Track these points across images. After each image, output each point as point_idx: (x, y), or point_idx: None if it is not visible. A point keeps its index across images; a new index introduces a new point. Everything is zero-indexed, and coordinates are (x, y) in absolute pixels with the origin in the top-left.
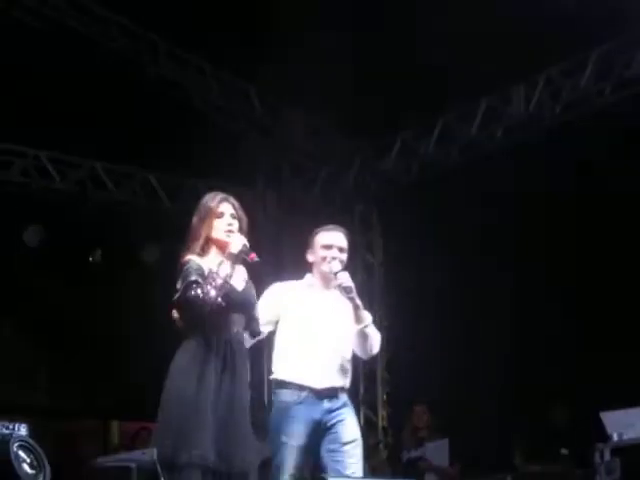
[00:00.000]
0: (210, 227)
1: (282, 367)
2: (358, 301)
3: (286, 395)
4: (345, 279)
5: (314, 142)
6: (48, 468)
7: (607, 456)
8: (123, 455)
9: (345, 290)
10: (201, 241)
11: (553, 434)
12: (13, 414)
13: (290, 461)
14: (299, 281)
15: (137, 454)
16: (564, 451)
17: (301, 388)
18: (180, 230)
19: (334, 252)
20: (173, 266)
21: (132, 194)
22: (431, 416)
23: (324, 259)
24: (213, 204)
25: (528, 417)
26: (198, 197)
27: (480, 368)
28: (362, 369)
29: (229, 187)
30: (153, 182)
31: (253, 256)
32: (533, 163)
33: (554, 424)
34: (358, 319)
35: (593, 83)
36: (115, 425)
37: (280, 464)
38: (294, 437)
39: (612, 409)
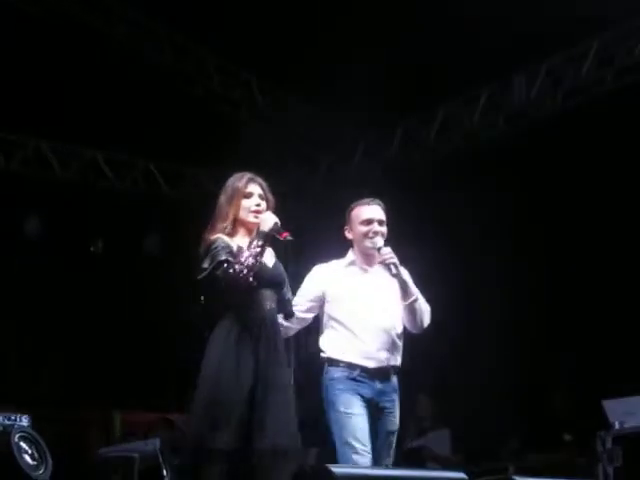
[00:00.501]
0: (238, 207)
1: (331, 347)
2: (404, 276)
3: (337, 371)
4: (389, 256)
5: (316, 130)
6: (50, 459)
7: (609, 444)
8: (126, 445)
9: (389, 268)
10: (228, 222)
11: (554, 421)
12: (15, 405)
13: (352, 429)
14: (340, 260)
15: (140, 444)
16: (567, 437)
17: (352, 366)
18: (181, 219)
19: (375, 226)
20: (174, 255)
21: (133, 183)
22: (435, 406)
23: (365, 235)
24: (241, 184)
25: (529, 405)
26: (199, 187)
27: (481, 358)
28: None
29: (230, 175)
30: (154, 171)
31: (285, 234)
32: (534, 152)
33: (555, 411)
34: (405, 295)
35: (595, 71)
36: (118, 415)
37: (347, 434)
38: (352, 406)
39: (614, 397)
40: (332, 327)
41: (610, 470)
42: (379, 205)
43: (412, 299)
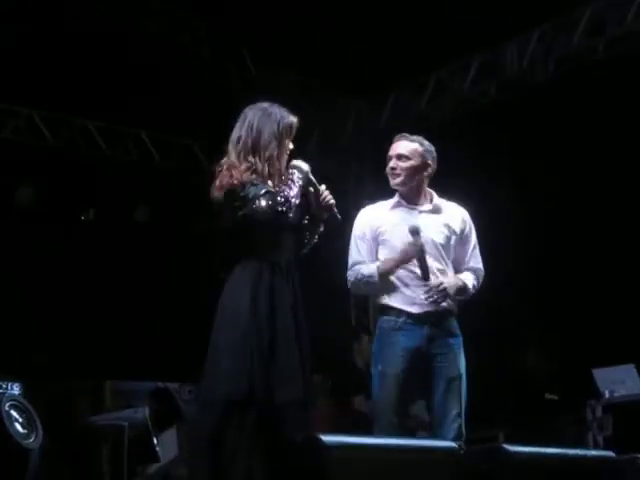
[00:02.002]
0: (285, 149)
1: (383, 292)
2: (461, 284)
3: (384, 321)
4: (437, 291)
5: (309, 100)
6: (40, 428)
7: (599, 413)
8: (115, 414)
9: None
10: (279, 166)
11: (533, 382)
12: (6, 373)
13: (387, 391)
14: (387, 200)
15: (129, 412)
16: (549, 396)
17: (399, 313)
18: (172, 188)
19: (391, 163)
20: (165, 224)
21: (125, 152)
22: None
23: (388, 173)
24: (294, 120)
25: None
26: (191, 156)
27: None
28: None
29: (224, 146)
30: (146, 140)
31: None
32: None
33: (531, 371)
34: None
35: (586, 40)
36: (108, 384)
37: (377, 395)
38: (390, 365)
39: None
40: None
41: (600, 438)
42: (404, 139)
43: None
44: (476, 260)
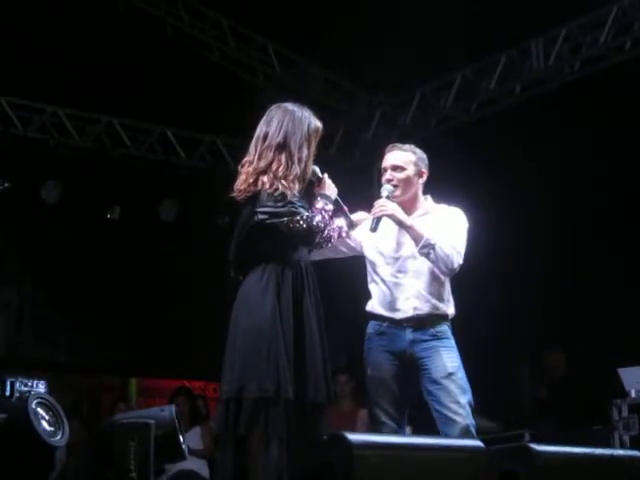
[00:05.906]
0: (311, 154)
1: (370, 299)
2: (407, 222)
3: (370, 327)
4: (378, 209)
5: (333, 97)
6: (67, 425)
7: (625, 412)
8: (142, 411)
9: (374, 221)
10: (306, 171)
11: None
12: (32, 370)
13: (376, 394)
14: None
15: (155, 410)
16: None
17: (382, 319)
18: (197, 186)
19: (387, 175)
20: (190, 221)
21: (150, 150)
22: None
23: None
24: (320, 125)
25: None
26: (216, 153)
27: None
28: None
29: (247, 143)
30: (171, 138)
31: (346, 210)
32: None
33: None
34: (415, 243)
35: (613, 38)
36: (133, 382)
37: (369, 398)
38: (376, 369)
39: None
40: (369, 277)
41: (626, 438)
42: (397, 149)
43: (419, 248)
44: (448, 241)
